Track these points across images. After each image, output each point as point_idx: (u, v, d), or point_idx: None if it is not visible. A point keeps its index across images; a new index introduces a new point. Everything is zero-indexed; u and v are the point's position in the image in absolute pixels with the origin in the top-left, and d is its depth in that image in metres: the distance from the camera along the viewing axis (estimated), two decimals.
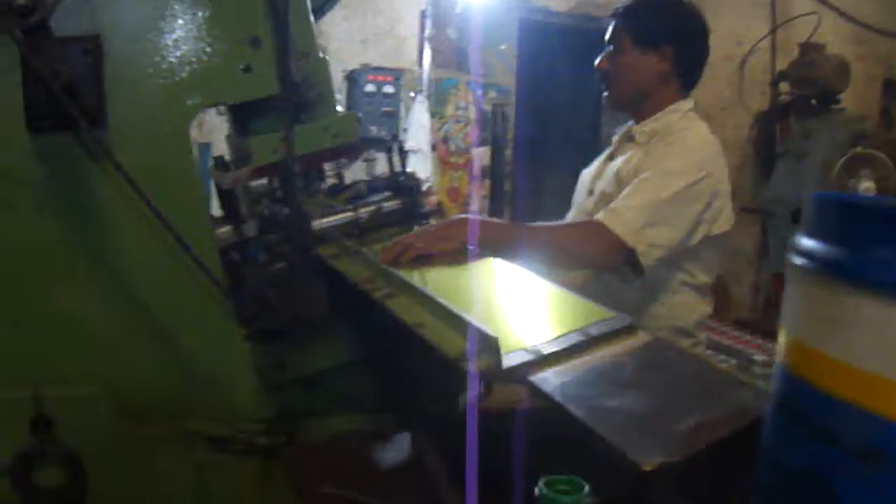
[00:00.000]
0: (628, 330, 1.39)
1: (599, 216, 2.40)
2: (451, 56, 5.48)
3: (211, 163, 2.11)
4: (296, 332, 1.86)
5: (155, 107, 1.81)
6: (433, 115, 5.38)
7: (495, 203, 5.80)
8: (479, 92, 5.52)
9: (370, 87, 5.16)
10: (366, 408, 2.11)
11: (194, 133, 1.91)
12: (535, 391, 1.20)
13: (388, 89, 5.23)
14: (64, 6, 1.61)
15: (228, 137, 2.21)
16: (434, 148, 5.42)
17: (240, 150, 2.03)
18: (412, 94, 5.35)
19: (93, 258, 1.82)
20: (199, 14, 1.81)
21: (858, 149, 5.82)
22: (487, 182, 5.69)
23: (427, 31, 5.40)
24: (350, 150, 2.10)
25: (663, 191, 2.40)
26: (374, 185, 2.32)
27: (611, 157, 2.80)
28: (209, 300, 1.85)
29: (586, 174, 2.92)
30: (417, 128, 5.25)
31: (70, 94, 1.61)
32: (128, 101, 1.77)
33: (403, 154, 2.15)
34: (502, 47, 5.62)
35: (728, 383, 1.26)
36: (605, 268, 2.47)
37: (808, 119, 6.36)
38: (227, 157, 2.13)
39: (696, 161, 2.49)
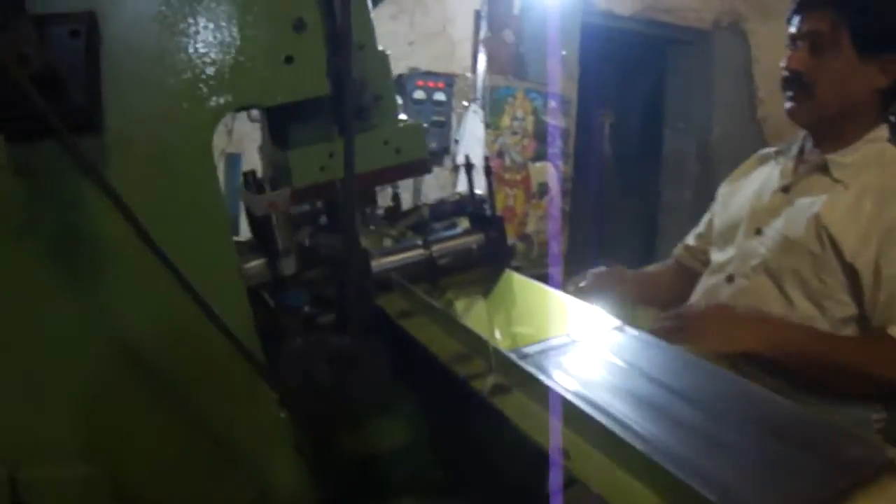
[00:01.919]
0: (888, 469, 0.92)
1: None
2: (508, 62, 5.05)
3: (241, 179, 1.70)
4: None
5: (168, 108, 1.39)
6: (488, 126, 4.94)
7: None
8: (555, 103, 5.08)
9: (419, 94, 4.75)
10: (430, 490, 1.70)
11: (221, 142, 1.51)
12: None
13: (439, 97, 4.81)
14: None
15: (261, 149, 1.78)
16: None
17: (277, 165, 1.60)
18: (465, 103, 4.92)
19: (84, 300, 1.41)
20: None
21: None
22: (543, 201, 5.24)
23: (482, 34, 4.96)
24: (415, 170, 1.66)
25: None
26: (438, 211, 1.89)
27: (785, 189, 2.28)
28: (234, 357, 1.42)
29: (740, 200, 2.42)
30: (470, 140, 4.82)
31: (48, 89, 1.18)
32: (131, 100, 1.37)
33: (489, 172, 1.70)
34: (563, 53, 5.18)
35: None
36: None
37: None
38: (261, 174, 1.72)
39: None
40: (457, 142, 4.89)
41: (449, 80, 4.87)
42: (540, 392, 1.08)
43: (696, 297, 2.41)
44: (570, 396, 1.04)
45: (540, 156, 5.20)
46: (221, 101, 1.40)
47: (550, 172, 5.22)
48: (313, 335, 1.39)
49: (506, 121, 5.06)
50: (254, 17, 1.41)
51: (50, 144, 1.31)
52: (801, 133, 2.35)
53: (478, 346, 1.24)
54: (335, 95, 1.48)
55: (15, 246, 1.36)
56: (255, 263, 1.56)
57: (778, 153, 2.43)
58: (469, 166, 1.73)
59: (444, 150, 4.89)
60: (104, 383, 1.43)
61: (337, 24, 1.38)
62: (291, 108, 1.51)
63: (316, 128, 1.57)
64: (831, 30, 2.09)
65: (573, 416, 1.02)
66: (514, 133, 5.11)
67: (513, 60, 5.07)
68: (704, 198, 6.24)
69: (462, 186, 4.88)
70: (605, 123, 5.65)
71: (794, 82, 2.19)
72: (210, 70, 1.39)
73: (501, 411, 1.08)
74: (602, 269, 2.46)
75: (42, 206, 1.36)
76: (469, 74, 5.01)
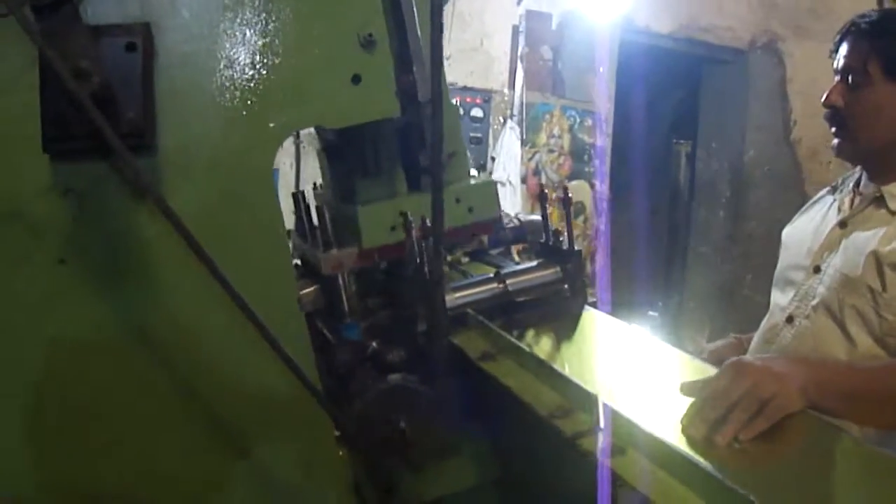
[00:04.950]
0: None
1: None
2: (545, 78, 4.94)
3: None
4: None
5: (226, 128, 1.30)
6: (524, 143, 4.83)
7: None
8: (600, 122, 4.98)
9: None
10: None
11: None
12: None
13: (477, 112, 4.72)
14: None
15: (320, 196, 1.70)
16: (524, 180, 4.87)
17: (342, 218, 1.52)
18: (501, 119, 4.81)
19: (133, 330, 1.32)
20: (292, 1, 1.31)
21: None
22: (579, 220, 5.12)
23: (520, 50, 4.85)
24: (486, 228, 1.59)
25: None
26: (497, 238, 1.79)
27: (842, 224, 2.17)
28: (290, 392, 1.35)
29: (799, 239, 2.30)
30: (507, 157, 4.71)
31: (103, 106, 1.08)
32: (187, 118, 1.28)
33: (567, 203, 1.59)
34: (601, 70, 5.07)
35: None
36: None
37: None
38: (314, 201, 1.64)
39: None
40: (493, 159, 4.78)
41: (486, 96, 4.78)
42: (662, 454, 0.97)
43: (756, 340, 2.30)
44: (697, 459, 0.93)
45: (576, 174, 5.09)
46: (283, 120, 1.30)
47: (587, 191, 5.12)
48: (388, 378, 1.30)
49: (542, 138, 4.96)
50: (319, 33, 1.32)
51: (97, 165, 1.22)
52: (857, 166, 2.26)
53: (583, 399, 1.12)
54: (406, 149, 1.41)
55: (56, 272, 1.27)
56: (309, 290, 1.47)
57: (834, 188, 2.33)
58: (543, 196, 1.62)
59: (481, 167, 4.79)
60: (151, 416, 1.35)
61: (432, 95, 1.26)
62: (360, 159, 1.43)
63: (384, 183, 1.50)
64: (863, 63, 2.01)
65: (703, 481, 0.91)
66: (551, 151, 5.00)
67: (550, 77, 4.97)
68: (737, 219, 6.17)
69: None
70: (681, 153, 5.50)
71: (834, 118, 2.11)
72: (271, 88, 1.30)
73: (621, 477, 0.97)
74: (718, 343, 2.35)
75: (87, 230, 1.27)
76: (506, 90, 4.91)
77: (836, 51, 2.10)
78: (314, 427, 1.39)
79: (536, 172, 4.96)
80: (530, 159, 4.92)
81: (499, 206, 1.61)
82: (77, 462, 1.33)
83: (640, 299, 5.35)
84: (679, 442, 1.04)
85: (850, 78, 2.04)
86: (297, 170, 3.82)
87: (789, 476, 1.04)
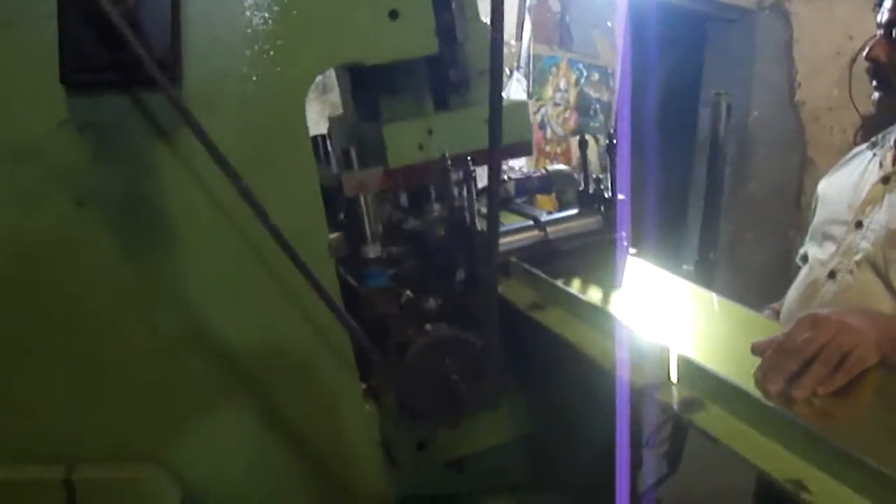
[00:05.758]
0: None
1: None
2: (553, 31, 4.85)
3: None
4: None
5: (255, 65, 1.23)
6: (530, 96, 4.75)
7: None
8: (625, 77, 4.90)
9: None
10: (518, 485, 1.62)
11: None
12: None
13: None
14: None
15: (339, 120, 1.62)
16: None
17: (365, 138, 1.45)
18: (508, 72, 4.72)
19: (153, 277, 1.27)
20: None
21: None
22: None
23: (528, 1, 4.76)
24: (518, 152, 1.53)
25: None
26: (522, 186, 1.74)
27: (885, 180, 2.12)
28: (320, 341, 1.32)
29: (838, 193, 2.25)
30: None
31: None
32: (214, 54, 1.21)
33: (612, 149, 1.54)
34: (608, 24, 4.99)
35: None
36: None
37: None
38: (332, 140, 1.58)
39: None
40: None
41: None
42: (746, 408, 0.92)
43: (793, 296, 2.25)
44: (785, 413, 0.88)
45: (582, 129, 5.01)
46: (316, 56, 1.24)
47: (593, 146, 5.04)
48: (432, 327, 1.24)
49: (548, 91, 4.88)
50: None
51: (118, 98, 1.16)
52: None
53: (652, 351, 1.07)
54: (433, 65, 1.34)
55: (76, 214, 1.20)
56: (332, 237, 1.41)
57: (874, 144, 2.28)
58: (583, 143, 1.57)
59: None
60: (172, 370, 1.30)
61: None
62: (384, 76, 1.36)
63: (410, 100, 1.43)
64: None
65: (795, 435, 0.85)
66: (557, 104, 4.93)
67: (557, 30, 4.89)
68: (739, 178, 6.11)
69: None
70: (721, 103, 5.39)
71: (875, 72, 2.07)
72: (303, 22, 1.23)
73: (709, 434, 0.91)
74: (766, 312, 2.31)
75: (107, 169, 1.21)
76: (514, 42, 4.82)
77: (880, 4, 2.05)
78: (340, 381, 1.34)
79: (542, 126, 4.88)
80: (536, 112, 4.85)
81: (530, 128, 1.55)
82: (99, 417, 1.28)
83: (659, 253, 5.29)
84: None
85: (893, 32, 1.98)
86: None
87: (874, 429, 1.00)
